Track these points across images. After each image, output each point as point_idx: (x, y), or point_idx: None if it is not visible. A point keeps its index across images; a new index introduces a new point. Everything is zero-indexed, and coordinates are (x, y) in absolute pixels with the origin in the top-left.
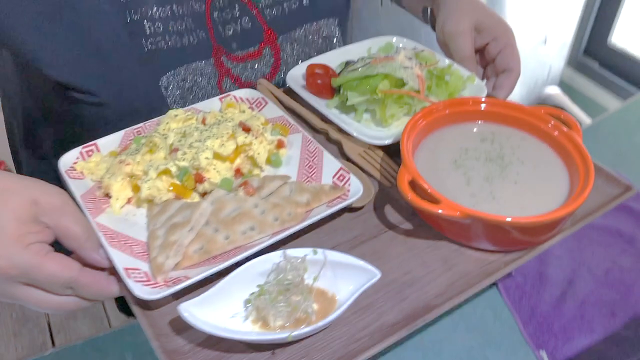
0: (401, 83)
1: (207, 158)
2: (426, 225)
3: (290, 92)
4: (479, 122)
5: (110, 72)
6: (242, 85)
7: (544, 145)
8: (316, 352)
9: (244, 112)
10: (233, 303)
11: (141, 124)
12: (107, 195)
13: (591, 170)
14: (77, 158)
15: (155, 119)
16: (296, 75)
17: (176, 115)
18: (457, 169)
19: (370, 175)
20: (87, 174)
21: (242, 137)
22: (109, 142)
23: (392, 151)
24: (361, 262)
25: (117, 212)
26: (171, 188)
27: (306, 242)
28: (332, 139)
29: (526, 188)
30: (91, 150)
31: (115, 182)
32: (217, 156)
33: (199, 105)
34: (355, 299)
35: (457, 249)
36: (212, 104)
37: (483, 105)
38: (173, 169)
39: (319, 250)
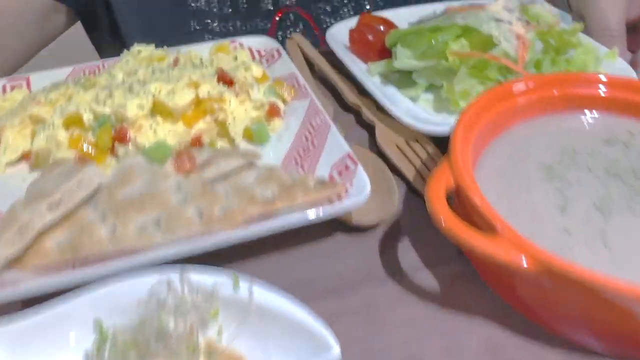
0: (489, 43)
1: (139, 106)
2: (478, 279)
3: (328, 55)
4: (604, 114)
5: None
6: None
7: None
8: None
9: (236, 58)
10: (69, 349)
11: (97, 62)
12: None
13: None
14: None
15: (117, 57)
16: (342, 32)
17: (139, 52)
18: (549, 182)
19: (404, 179)
20: None
21: (207, 87)
22: (45, 78)
23: None
24: (310, 321)
25: None
26: (77, 143)
27: (252, 266)
28: (364, 120)
29: None
30: (19, 85)
31: (11, 126)
32: (162, 109)
33: (185, 47)
34: None
35: (526, 331)
36: (207, 48)
37: (614, 88)
38: (87, 116)
39: (244, 282)
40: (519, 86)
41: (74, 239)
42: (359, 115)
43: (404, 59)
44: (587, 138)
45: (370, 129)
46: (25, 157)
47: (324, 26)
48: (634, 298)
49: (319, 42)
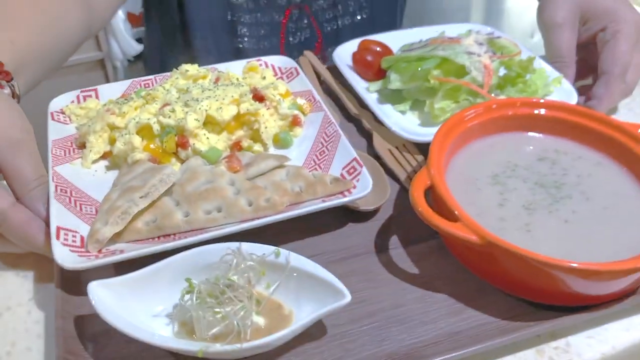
0: (462, 71)
1: (196, 120)
2: (446, 251)
3: (335, 71)
4: (541, 135)
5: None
6: None
7: (629, 177)
8: None
9: (264, 78)
10: (161, 296)
11: (151, 76)
12: (83, 146)
13: None
14: (72, 102)
15: (168, 73)
16: (347, 52)
17: (187, 71)
18: (493, 186)
19: (395, 179)
20: (74, 120)
21: (247, 104)
22: (110, 90)
23: None
24: (328, 276)
25: (86, 165)
26: (149, 147)
27: (287, 242)
28: (365, 129)
29: (580, 232)
30: (89, 95)
31: (94, 131)
32: (212, 121)
33: (222, 66)
34: (313, 323)
35: (480, 289)
36: (240, 66)
37: (550, 111)
38: (155, 127)
39: (283, 252)
40: (471, 112)
41: (159, 220)
42: (360, 124)
43: (395, 81)
44: (525, 155)
45: (369, 136)
46: (104, 156)
47: (323, 19)
48: (544, 263)
49: (316, 33)
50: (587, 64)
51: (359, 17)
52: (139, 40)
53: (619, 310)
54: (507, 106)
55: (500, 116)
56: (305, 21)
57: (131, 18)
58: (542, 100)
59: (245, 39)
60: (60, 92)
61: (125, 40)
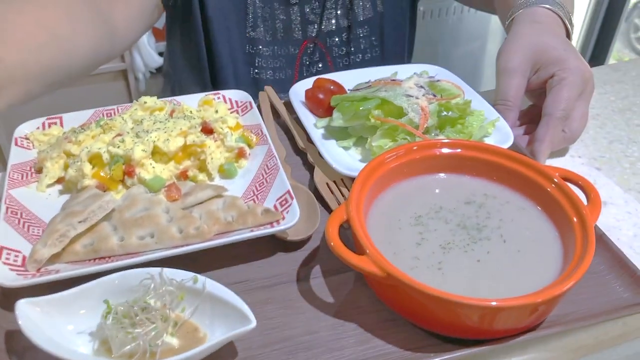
0: (400, 112)
1: (143, 150)
2: (364, 283)
3: (290, 106)
4: (474, 178)
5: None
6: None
7: (547, 222)
8: None
9: (217, 112)
10: (87, 315)
11: (113, 106)
12: (41, 170)
13: (585, 261)
14: (38, 128)
15: (129, 104)
16: (303, 89)
17: (145, 102)
18: (415, 226)
19: (330, 211)
20: (37, 145)
21: (193, 136)
22: (74, 118)
23: None
24: (238, 303)
25: (40, 189)
26: (98, 175)
27: (216, 268)
28: (309, 162)
29: (490, 271)
30: (54, 123)
31: (50, 157)
32: (159, 151)
33: (181, 98)
34: (223, 345)
35: (391, 319)
36: (197, 99)
37: (484, 154)
38: (105, 156)
39: (200, 279)
40: (392, 154)
41: (95, 244)
42: (306, 157)
43: (338, 119)
44: (456, 197)
45: (312, 169)
46: (59, 181)
47: (336, 54)
48: (453, 301)
49: (329, 67)
50: (538, 110)
51: (369, 55)
52: (161, 54)
53: (518, 343)
54: (427, 147)
55: (424, 157)
56: (318, 55)
57: (155, 31)
58: (466, 142)
59: (262, 70)
60: (79, 101)
61: (148, 52)
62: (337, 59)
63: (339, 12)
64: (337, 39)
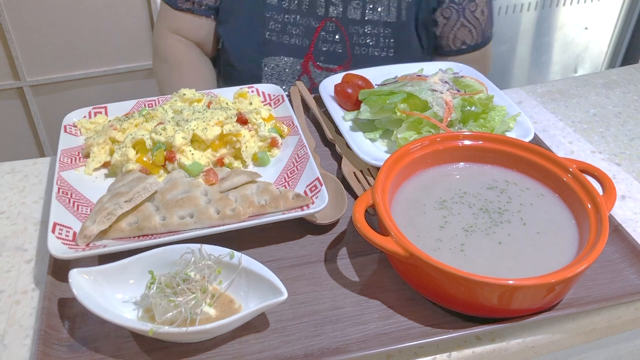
0: (425, 106)
1: (183, 138)
2: (387, 264)
3: (319, 100)
4: (495, 167)
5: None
6: (314, 86)
7: (564, 208)
8: None
9: (251, 104)
10: (132, 285)
11: (154, 97)
12: (88, 155)
13: (598, 246)
14: (84, 116)
15: (169, 96)
16: (332, 84)
17: (184, 94)
18: (439, 210)
19: (357, 198)
20: (84, 133)
21: (229, 126)
22: (118, 108)
23: None
24: (272, 277)
25: (88, 172)
26: (141, 160)
27: (249, 248)
28: (337, 153)
29: (510, 253)
30: (100, 112)
31: (97, 143)
32: (198, 139)
33: (217, 91)
34: (256, 316)
35: (413, 298)
36: (232, 92)
37: (505, 146)
38: (148, 142)
39: (237, 255)
40: (417, 144)
41: (139, 222)
42: (334, 148)
43: (365, 112)
44: (479, 183)
45: (340, 159)
46: (104, 165)
47: (355, 41)
48: (473, 279)
49: (346, 48)
50: None
51: (384, 54)
52: None
53: (533, 323)
54: (451, 139)
55: (447, 148)
56: (339, 37)
57: None
58: (487, 135)
59: (276, 33)
60: (117, 96)
61: None
62: (356, 47)
63: (370, 6)
64: (359, 29)
